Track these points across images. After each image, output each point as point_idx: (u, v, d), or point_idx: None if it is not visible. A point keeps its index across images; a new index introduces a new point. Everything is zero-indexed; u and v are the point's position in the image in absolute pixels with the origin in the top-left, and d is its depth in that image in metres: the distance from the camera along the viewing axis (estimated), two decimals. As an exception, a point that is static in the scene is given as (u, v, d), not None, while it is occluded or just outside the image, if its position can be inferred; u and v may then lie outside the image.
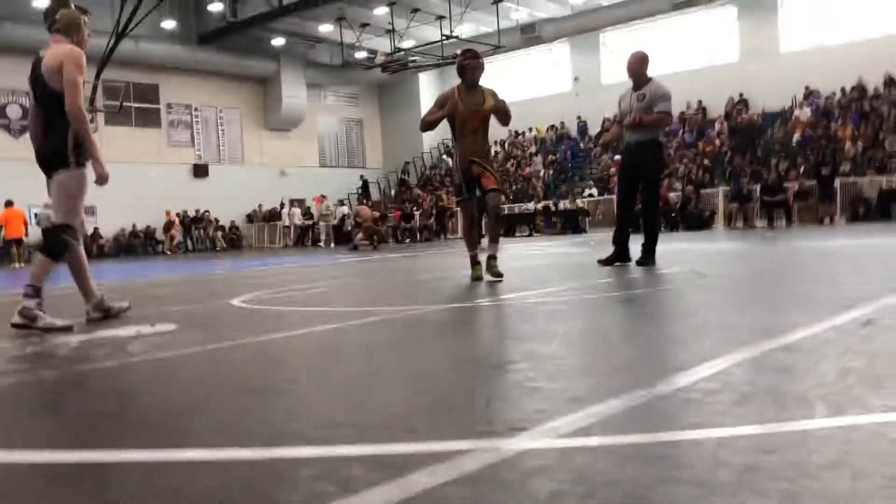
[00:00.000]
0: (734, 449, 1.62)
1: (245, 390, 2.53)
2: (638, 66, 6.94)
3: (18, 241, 20.20)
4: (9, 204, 18.90)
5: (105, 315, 4.78)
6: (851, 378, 2.15)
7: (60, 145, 4.49)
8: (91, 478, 1.71)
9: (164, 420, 2.17)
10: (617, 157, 14.55)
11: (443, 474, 1.52)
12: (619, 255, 6.98)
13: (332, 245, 24.89)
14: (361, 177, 33.77)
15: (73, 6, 4.73)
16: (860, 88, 23.32)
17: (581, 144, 29.61)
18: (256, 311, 5.12)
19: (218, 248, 28.48)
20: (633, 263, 6.87)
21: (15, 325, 4.36)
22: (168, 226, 27.11)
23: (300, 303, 5.62)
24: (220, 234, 29.27)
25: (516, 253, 11.70)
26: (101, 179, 4.55)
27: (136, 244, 27.00)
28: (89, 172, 4.59)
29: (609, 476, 1.48)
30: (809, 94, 24.50)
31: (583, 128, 29.96)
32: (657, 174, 7.12)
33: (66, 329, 4.34)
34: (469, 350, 3.08)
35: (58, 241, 4.50)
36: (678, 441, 1.69)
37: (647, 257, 6.84)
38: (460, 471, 1.54)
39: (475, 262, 6.16)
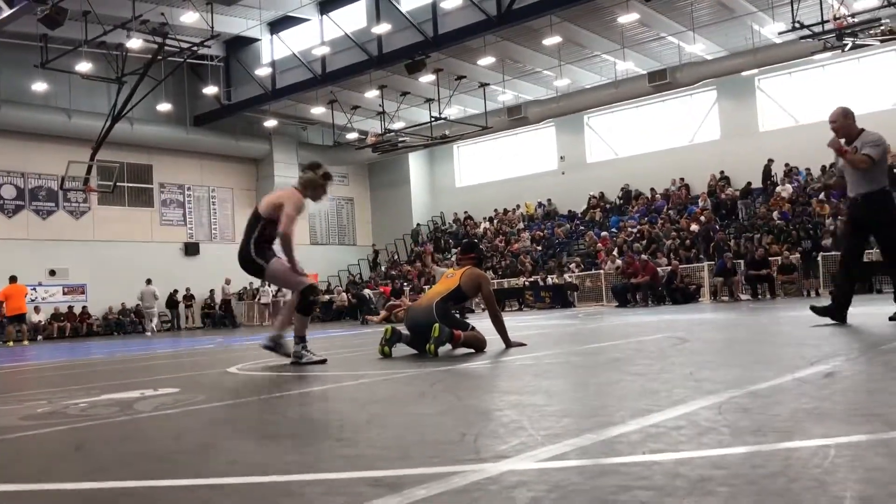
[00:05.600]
0: (690, 466, 1.86)
1: (253, 435, 2.74)
2: (843, 119, 6.73)
3: (20, 318, 18.78)
4: (12, 279, 18.13)
5: (274, 349, 5.89)
6: (801, 414, 2.40)
7: (253, 257, 5.69)
8: (134, 499, 1.92)
9: (181, 457, 2.37)
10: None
11: (436, 488, 1.75)
12: (842, 314, 6.74)
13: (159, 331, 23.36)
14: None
15: (321, 172, 5.87)
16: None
17: (569, 224, 30.16)
18: (251, 376, 5.32)
19: (204, 326, 28.48)
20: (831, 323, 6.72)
21: (293, 363, 5.72)
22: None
23: (291, 369, 5.81)
24: (206, 311, 29.23)
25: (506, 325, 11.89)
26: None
27: (126, 322, 26.98)
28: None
29: (579, 486, 1.71)
30: (789, 171, 25.26)
31: (572, 214, 30.60)
32: (893, 224, 6.59)
33: (322, 362, 5.71)
34: (457, 401, 3.29)
35: (308, 302, 5.80)
36: (642, 462, 1.92)
37: None
38: (452, 485, 1.77)
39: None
